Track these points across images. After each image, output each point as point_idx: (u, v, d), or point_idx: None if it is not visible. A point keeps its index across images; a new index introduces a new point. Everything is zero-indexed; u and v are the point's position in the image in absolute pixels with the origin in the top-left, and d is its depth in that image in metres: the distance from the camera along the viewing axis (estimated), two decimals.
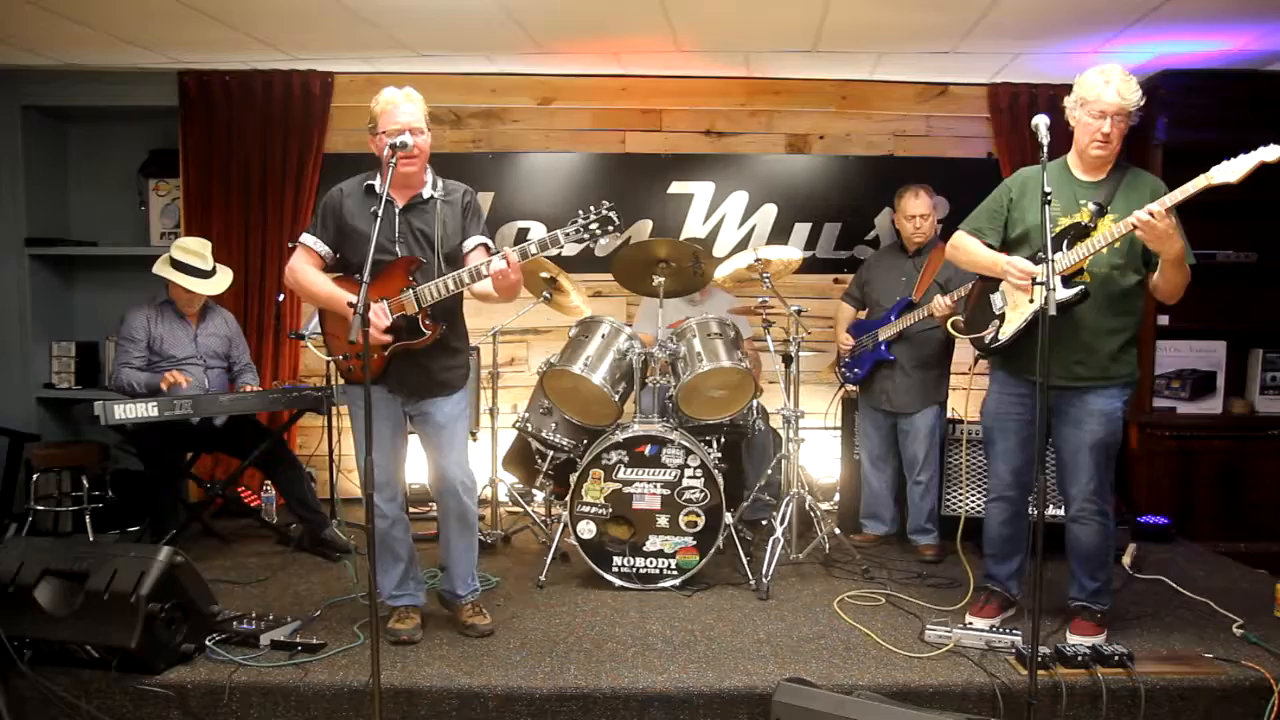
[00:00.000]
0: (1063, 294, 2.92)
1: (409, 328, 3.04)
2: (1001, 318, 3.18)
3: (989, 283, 3.25)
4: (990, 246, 3.18)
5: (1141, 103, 2.96)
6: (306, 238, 3.14)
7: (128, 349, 4.18)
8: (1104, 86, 2.91)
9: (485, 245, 3.15)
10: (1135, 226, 2.79)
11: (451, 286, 2.99)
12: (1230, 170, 2.68)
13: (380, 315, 2.96)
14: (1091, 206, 2.98)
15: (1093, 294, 2.97)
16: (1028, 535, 3.29)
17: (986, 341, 3.22)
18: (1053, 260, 2.57)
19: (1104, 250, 2.94)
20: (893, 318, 4.26)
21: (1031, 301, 3.04)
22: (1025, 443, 3.22)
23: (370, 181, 3.11)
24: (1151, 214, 2.75)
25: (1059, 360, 3.01)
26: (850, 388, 4.55)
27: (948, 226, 5.17)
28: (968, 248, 3.22)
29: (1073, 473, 3.13)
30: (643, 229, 5.29)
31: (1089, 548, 3.14)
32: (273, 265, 5.04)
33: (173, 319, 4.27)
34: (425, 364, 3.11)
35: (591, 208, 3.00)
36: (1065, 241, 2.98)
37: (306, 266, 3.13)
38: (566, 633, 3.29)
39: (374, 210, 2.77)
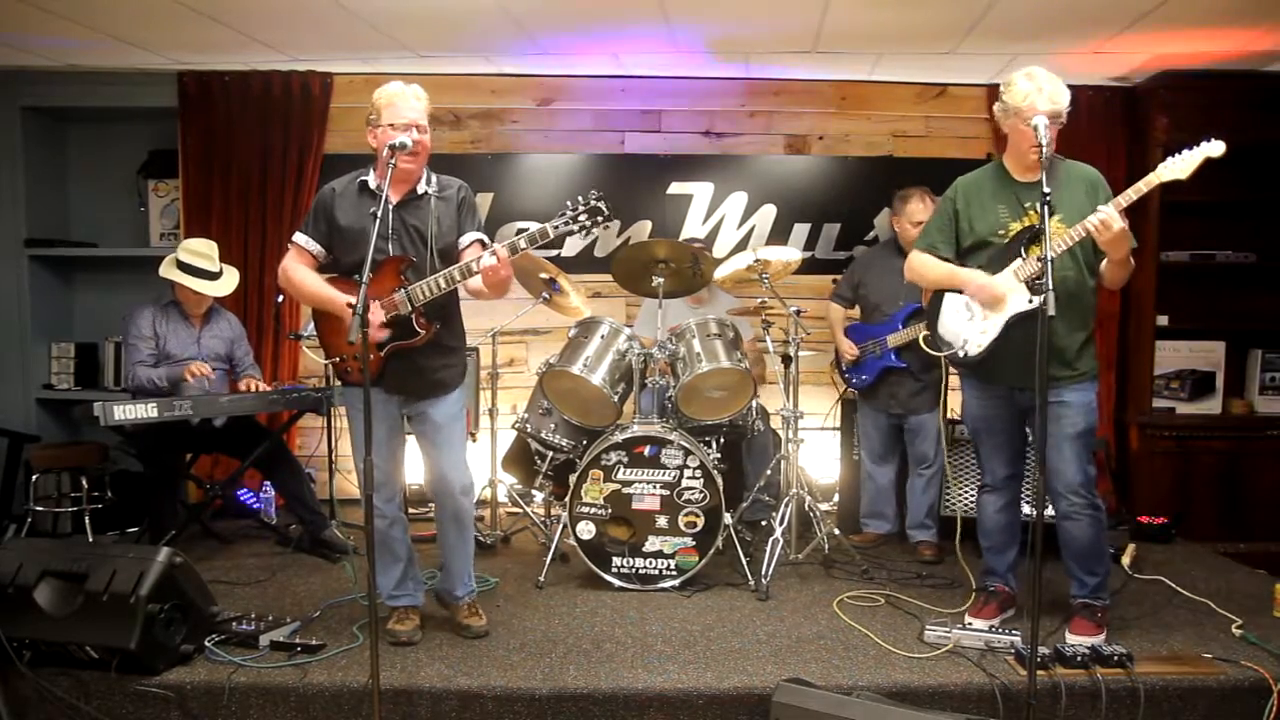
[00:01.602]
0: (1029, 304, 2.97)
1: (403, 327, 3.03)
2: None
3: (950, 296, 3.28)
4: (945, 260, 3.21)
5: (1068, 102, 2.97)
6: (299, 237, 3.13)
7: (139, 347, 4.17)
8: (1036, 94, 2.92)
9: (481, 241, 3.13)
10: (1090, 232, 2.84)
11: (443, 284, 2.98)
12: (1178, 167, 2.73)
13: (374, 315, 2.94)
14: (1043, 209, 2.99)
15: (1057, 297, 2.99)
16: (1022, 525, 3.31)
17: (960, 356, 3.22)
18: (1051, 261, 2.58)
19: (1063, 253, 2.96)
20: (900, 325, 4.23)
21: (985, 317, 3.09)
22: (1012, 438, 3.28)
23: (364, 178, 3.08)
24: (1107, 216, 2.80)
25: (1030, 364, 3.02)
26: (851, 390, 4.54)
27: None
28: (922, 267, 3.26)
29: (1056, 468, 3.13)
30: (642, 230, 5.30)
31: (1083, 543, 3.15)
32: (272, 266, 5.03)
33: (177, 320, 4.28)
34: (421, 364, 3.09)
35: (580, 198, 2.98)
36: (1022, 247, 3.01)
37: (299, 266, 3.11)
38: (566, 633, 3.28)
39: (373, 211, 2.76)
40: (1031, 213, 3.02)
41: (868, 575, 3.92)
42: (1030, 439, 3.33)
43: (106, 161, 5.49)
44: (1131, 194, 2.81)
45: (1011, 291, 3.04)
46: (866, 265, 4.53)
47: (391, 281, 3.01)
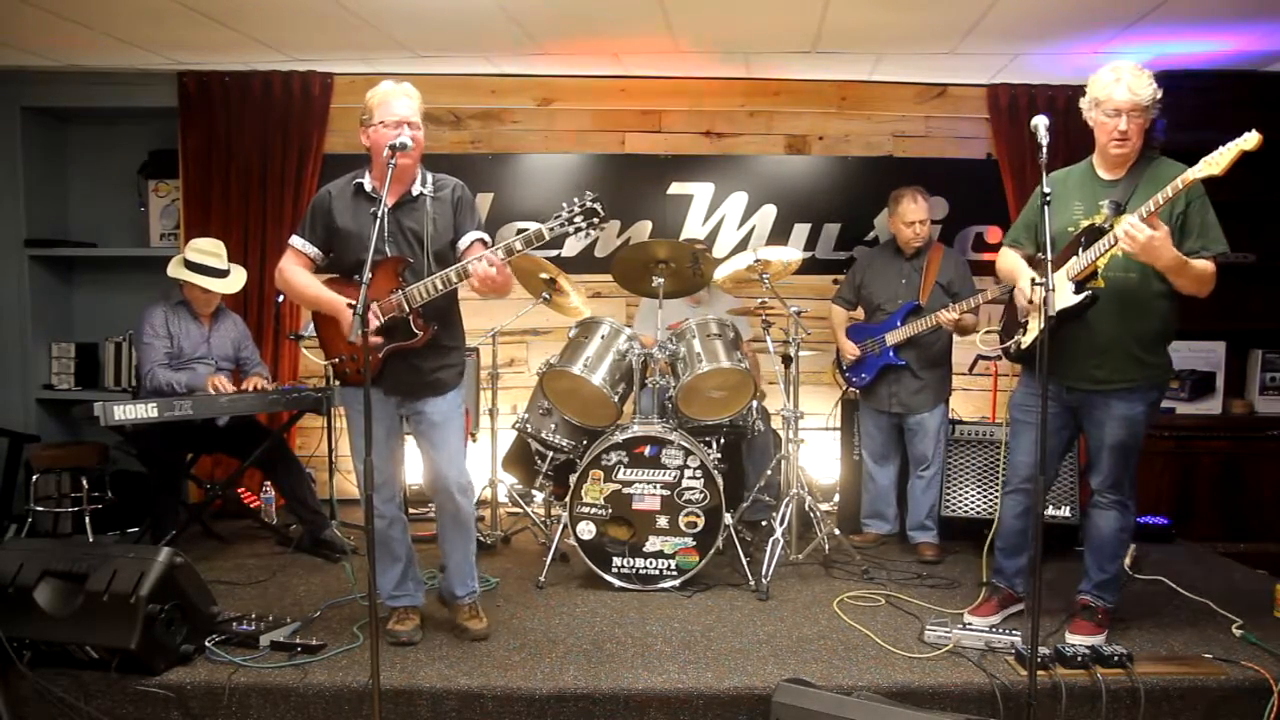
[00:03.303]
0: (1069, 300, 2.93)
1: (401, 329, 3.03)
2: (1025, 325, 3.21)
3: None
4: (1029, 256, 3.20)
5: (1158, 96, 2.91)
6: (295, 240, 3.13)
7: (155, 346, 4.16)
8: (1115, 84, 2.88)
9: (482, 240, 3.13)
10: (1124, 248, 2.79)
11: (440, 286, 2.97)
12: (1214, 162, 2.64)
13: (371, 316, 2.94)
14: (1107, 207, 2.95)
15: (1107, 298, 2.96)
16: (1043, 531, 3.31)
17: (1011, 350, 3.26)
18: (1049, 262, 2.57)
19: (1118, 253, 2.90)
20: (899, 323, 4.24)
21: (1031, 303, 3.05)
22: (1052, 434, 3.21)
23: (359, 180, 3.09)
24: (1131, 227, 2.74)
25: (1075, 364, 3.04)
26: (852, 390, 4.55)
27: (945, 227, 5.21)
28: (1003, 261, 3.29)
29: (1095, 467, 3.17)
30: (642, 230, 5.29)
31: (1103, 534, 3.16)
32: (272, 266, 4.92)
33: (187, 320, 4.28)
34: (418, 364, 3.10)
35: (575, 199, 2.97)
36: (1081, 244, 2.96)
37: (295, 268, 3.12)
38: (566, 633, 3.28)
39: (373, 211, 2.75)
40: (1101, 210, 2.97)
41: (868, 575, 3.92)
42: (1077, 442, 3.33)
43: (106, 161, 5.49)
44: (1160, 198, 2.72)
45: (1058, 289, 2.95)
46: (867, 266, 4.54)
47: (389, 283, 3.01)
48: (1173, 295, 3.02)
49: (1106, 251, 2.89)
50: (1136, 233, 2.73)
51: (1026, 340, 3.17)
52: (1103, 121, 2.96)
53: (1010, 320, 3.33)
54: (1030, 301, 3.01)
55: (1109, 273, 2.98)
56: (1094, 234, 2.94)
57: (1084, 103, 3.01)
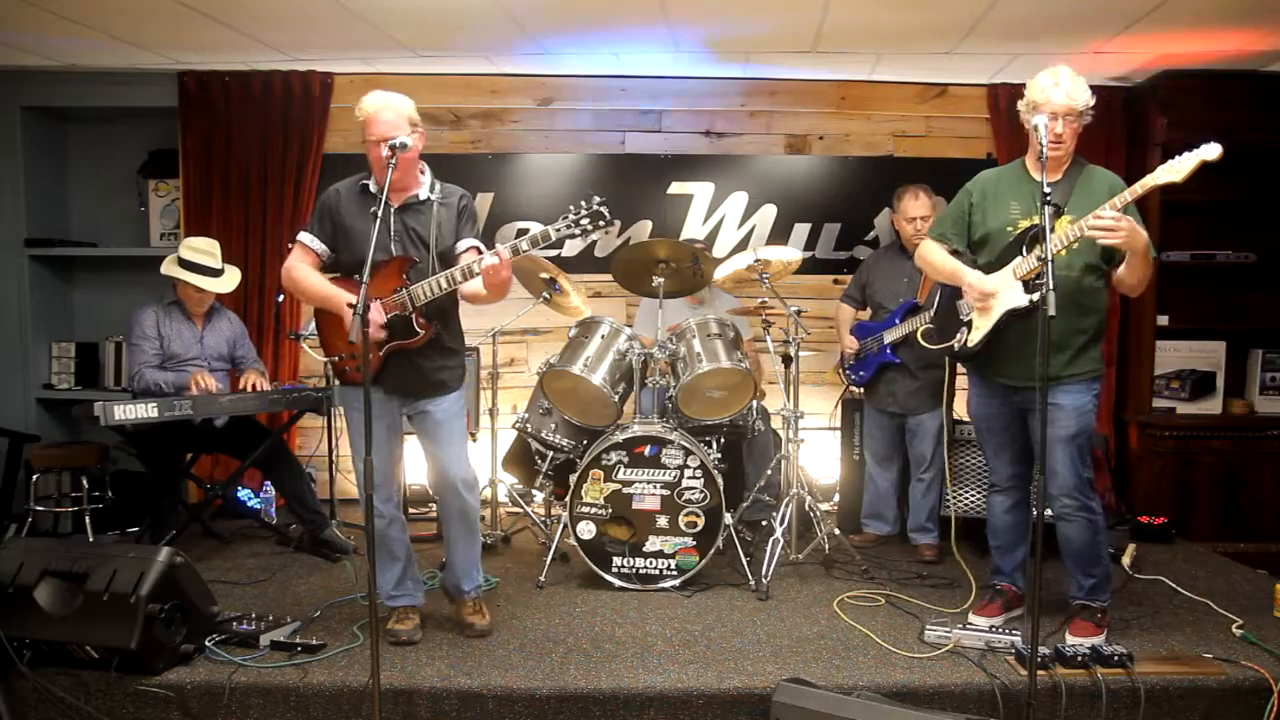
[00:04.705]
0: (1022, 300, 2.99)
1: (403, 327, 3.05)
2: (969, 324, 3.22)
3: (955, 290, 3.29)
4: (955, 252, 3.23)
5: (1092, 103, 2.99)
6: (304, 236, 3.15)
7: (143, 347, 4.16)
8: (1053, 88, 2.95)
9: (477, 248, 3.15)
10: (1095, 236, 2.84)
11: (444, 285, 2.99)
12: (1174, 169, 2.73)
13: (375, 314, 2.95)
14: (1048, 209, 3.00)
15: (1055, 295, 2.98)
16: (1030, 526, 3.31)
17: (956, 348, 3.27)
18: (1051, 262, 2.57)
19: (1063, 252, 2.97)
20: (897, 320, 4.25)
21: (982, 312, 3.11)
22: (1014, 438, 3.28)
23: (365, 181, 3.12)
24: (1104, 218, 2.80)
25: (1024, 361, 3.05)
26: (855, 389, 4.55)
27: None
28: (930, 256, 3.30)
29: (1051, 470, 3.11)
30: (642, 229, 5.29)
31: (1078, 544, 3.15)
32: (273, 266, 5.04)
33: (180, 320, 4.27)
34: (420, 364, 3.11)
35: (583, 202, 2.99)
36: (1024, 245, 3.02)
37: (303, 266, 3.13)
38: (566, 633, 3.28)
39: (373, 210, 2.77)
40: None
41: (868, 575, 3.92)
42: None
43: (106, 161, 5.49)
44: (1127, 195, 2.83)
45: (1006, 289, 3.05)
46: (873, 266, 4.58)
47: (394, 281, 3.03)
48: (1107, 290, 3.12)
49: (1054, 253, 2.91)
50: (1114, 223, 2.79)
51: (974, 338, 3.18)
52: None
53: (948, 319, 3.34)
54: (1035, 283, 2.98)
55: (1054, 270, 3.01)
56: (1036, 234, 2.97)
57: (1021, 105, 3.06)
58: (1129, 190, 2.83)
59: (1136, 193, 2.81)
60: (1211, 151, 2.69)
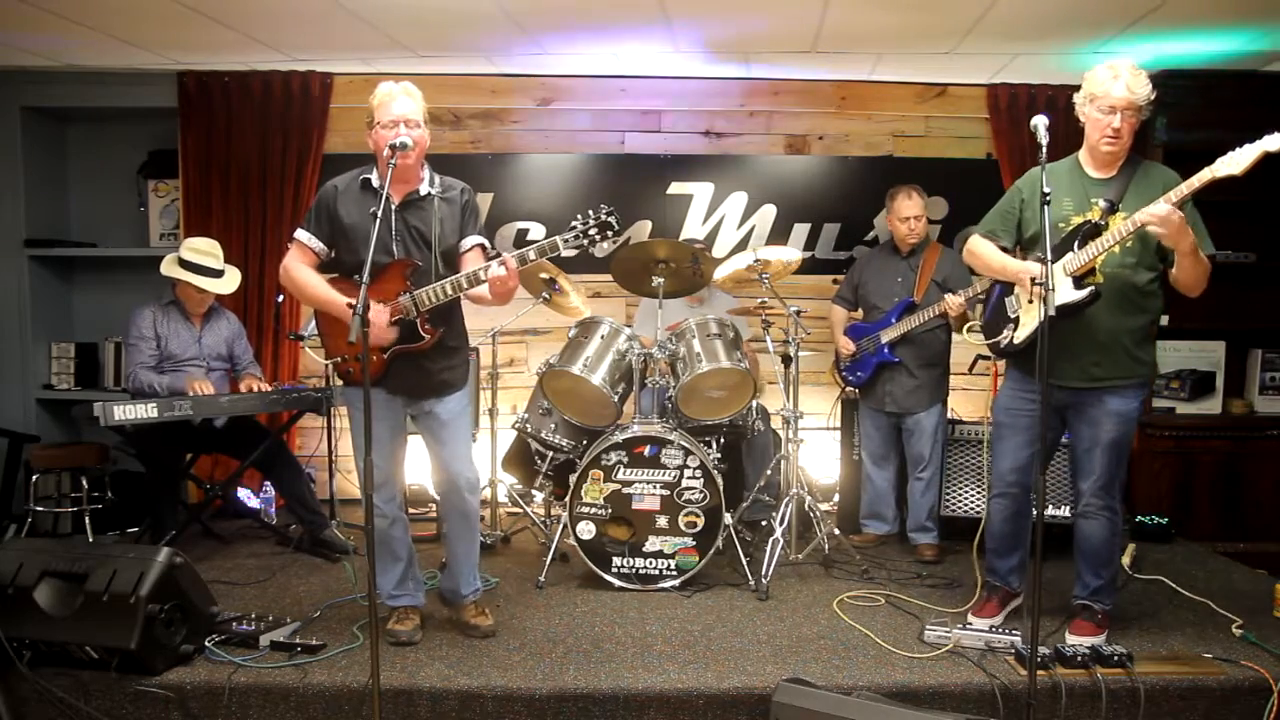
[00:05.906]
0: (1072, 296, 2.92)
1: (408, 331, 3.03)
2: (1016, 321, 3.17)
3: (1005, 286, 3.24)
4: (1004, 249, 3.17)
5: (1152, 97, 2.92)
6: (301, 234, 3.11)
7: (140, 348, 4.16)
8: (1112, 81, 2.88)
9: (482, 246, 3.14)
10: (1144, 224, 2.78)
11: (450, 291, 2.98)
12: (1234, 162, 2.64)
13: (379, 318, 2.94)
14: (1102, 204, 2.95)
15: (1106, 294, 2.94)
16: (1029, 532, 3.30)
17: (1002, 345, 3.22)
18: (1050, 262, 2.56)
19: (1115, 249, 2.91)
20: (893, 320, 4.25)
21: (1031, 303, 3.04)
22: (1033, 440, 3.20)
23: (366, 176, 3.08)
24: (1158, 211, 2.73)
25: (1074, 362, 3.02)
26: (851, 389, 4.55)
27: (944, 226, 5.21)
28: (981, 252, 3.21)
29: (1085, 469, 3.13)
30: (642, 230, 5.29)
31: (1095, 543, 3.14)
32: (272, 266, 5.04)
33: (178, 320, 4.27)
34: (425, 365, 3.10)
35: (590, 212, 2.99)
36: (1077, 241, 2.95)
37: (301, 265, 3.10)
38: (566, 633, 3.28)
39: (373, 210, 2.74)
40: (1095, 207, 2.97)
41: (868, 575, 3.92)
42: (1065, 441, 3.30)
43: (106, 161, 5.49)
44: (1184, 188, 2.74)
45: (1058, 285, 2.92)
46: (865, 266, 4.55)
47: (397, 284, 3.01)
48: (1161, 292, 3.06)
49: (1107, 249, 2.89)
50: (1168, 215, 2.73)
51: (1021, 335, 3.13)
52: (1096, 118, 2.96)
53: (997, 316, 3.29)
54: (1035, 283, 2.95)
55: (1106, 268, 2.98)
56: (1091, 231, 2.94)
57: (1078, 98, 3.01)
58: (1185, 184, 2.75)
59: (1194, 185, 2.72)
60: (1274, 142, 2.58)
